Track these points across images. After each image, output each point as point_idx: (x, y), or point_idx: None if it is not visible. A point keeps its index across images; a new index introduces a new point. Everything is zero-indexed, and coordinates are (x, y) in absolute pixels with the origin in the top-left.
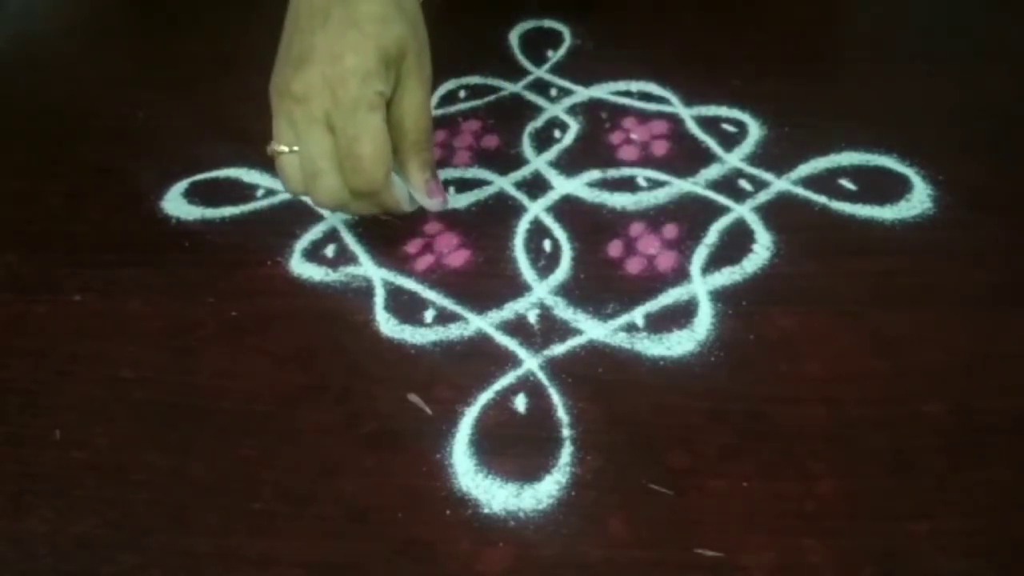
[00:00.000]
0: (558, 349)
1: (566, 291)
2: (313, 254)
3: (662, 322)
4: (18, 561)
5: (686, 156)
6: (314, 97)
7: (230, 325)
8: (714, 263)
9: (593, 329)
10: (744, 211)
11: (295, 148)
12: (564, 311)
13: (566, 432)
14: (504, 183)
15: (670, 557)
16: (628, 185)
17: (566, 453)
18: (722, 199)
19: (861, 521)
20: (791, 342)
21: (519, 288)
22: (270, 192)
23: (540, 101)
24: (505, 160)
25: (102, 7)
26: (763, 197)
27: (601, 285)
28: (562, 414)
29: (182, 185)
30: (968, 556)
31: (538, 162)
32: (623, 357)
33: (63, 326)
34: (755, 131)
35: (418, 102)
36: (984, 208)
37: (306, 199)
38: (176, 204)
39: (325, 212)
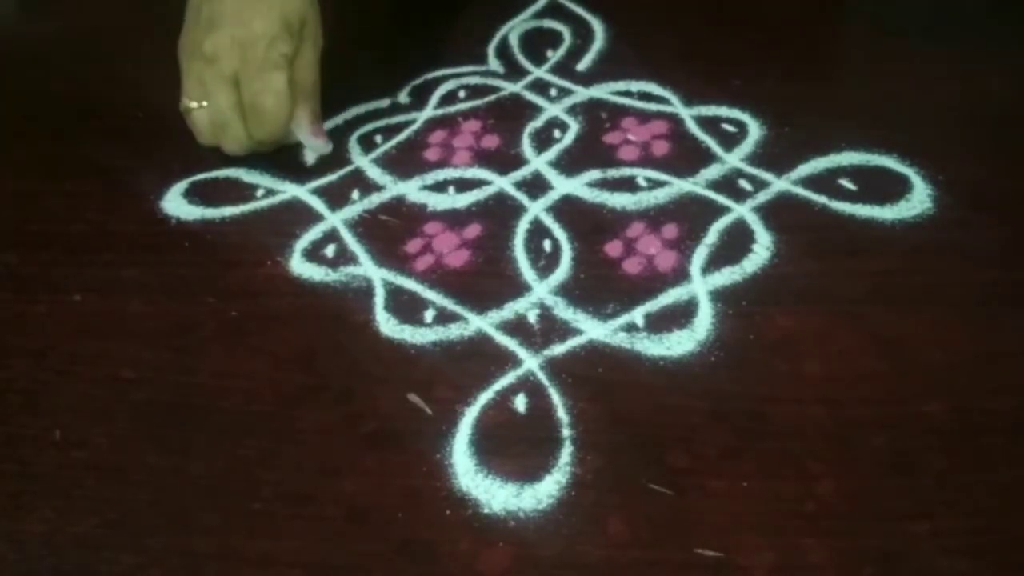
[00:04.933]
0: (558, 349)
1: (566, 291)
2: (313, 254)
3: (662, 322)
4: (18, 561)
5: (686, 156)
6: (223, 57)
7: (230, 325)
8: (714, 263)
9: (593, 329)
10: (744, 211)
11: (204, 104)
12: (564, 311)
13: (566, 432)
14: (504, 183)
15: (670, 557)
16: (628, 185)
17: (566, 453)
18: (722, 199)
19: (861, 521)
20: (791, 342)
21: (519, 288)
22: (270, 192)
23: (540, 101)
24: (505, 160)
25: (102, 7)
26: (763, 197)
27: (601, 285)
28: (562, 414)
29: (182, 185)
30: (968, 556)
31: (538, 162)
32: (623, 357)
33: (63, 326)
34: (755, 131)
35: (309, 62)
36: (984, 208)
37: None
38: (176, 204)
39: (323, 210)
